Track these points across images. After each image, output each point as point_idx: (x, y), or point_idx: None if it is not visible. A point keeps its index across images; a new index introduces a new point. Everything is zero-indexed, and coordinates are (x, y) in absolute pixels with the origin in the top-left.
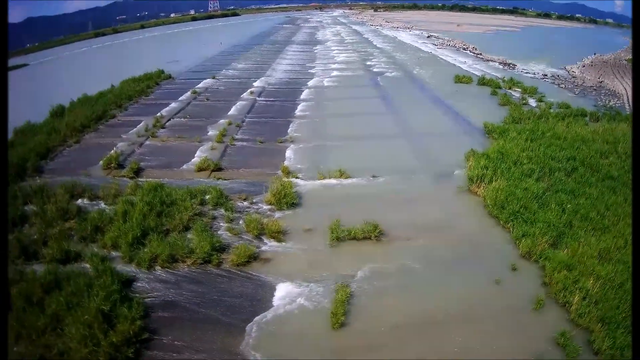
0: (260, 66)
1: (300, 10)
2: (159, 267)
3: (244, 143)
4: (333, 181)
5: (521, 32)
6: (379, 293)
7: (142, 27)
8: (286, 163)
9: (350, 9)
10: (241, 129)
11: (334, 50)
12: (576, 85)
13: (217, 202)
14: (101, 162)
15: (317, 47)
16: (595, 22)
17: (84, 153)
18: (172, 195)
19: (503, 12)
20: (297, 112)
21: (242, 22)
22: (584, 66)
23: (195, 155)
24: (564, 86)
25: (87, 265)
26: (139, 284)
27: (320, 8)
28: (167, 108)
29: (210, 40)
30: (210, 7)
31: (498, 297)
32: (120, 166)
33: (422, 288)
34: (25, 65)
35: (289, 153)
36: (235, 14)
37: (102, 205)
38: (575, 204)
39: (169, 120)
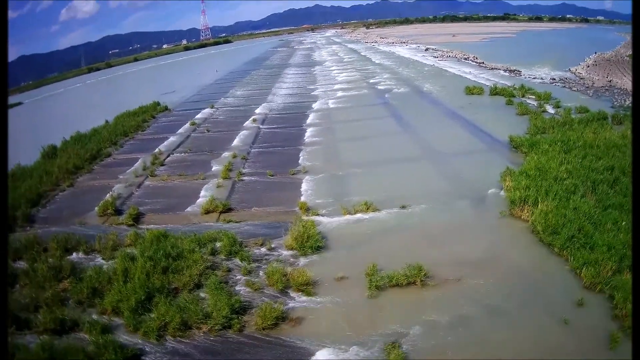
0: (260, 92)
1: (292, 33)
2: (170, 337)
3: (253, 177)
4: (359, 216)
5: (517, 37)
6: (440, 352)
7: (136, 59)
8: (303, 198)
9: (342, 28)
10: (248, 162)
11: (334, 70)
12: (587, 87)
13: (231, 250)
14: (96, 208)
15: (315, 68)
16: (587, 21)
17: (78, 198)
18: (178, 245)
19: (495, 19)
20: (306, 139)
21: (235, 48)
22: (588, 66)
23: (200, 195)
24: (575, 89)
25: (86, 336)
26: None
27: (312, 29)
28: (165, 143)
29: (206, 68)
30: (202, 36)
31: (570, 339)
32: (118, 212)
33: (487, 340)
34: (19, 103)
35: (304, 186)
36: (227, 41)
37: (99, 260)
38: (628, 220)
39: (169, 156)
